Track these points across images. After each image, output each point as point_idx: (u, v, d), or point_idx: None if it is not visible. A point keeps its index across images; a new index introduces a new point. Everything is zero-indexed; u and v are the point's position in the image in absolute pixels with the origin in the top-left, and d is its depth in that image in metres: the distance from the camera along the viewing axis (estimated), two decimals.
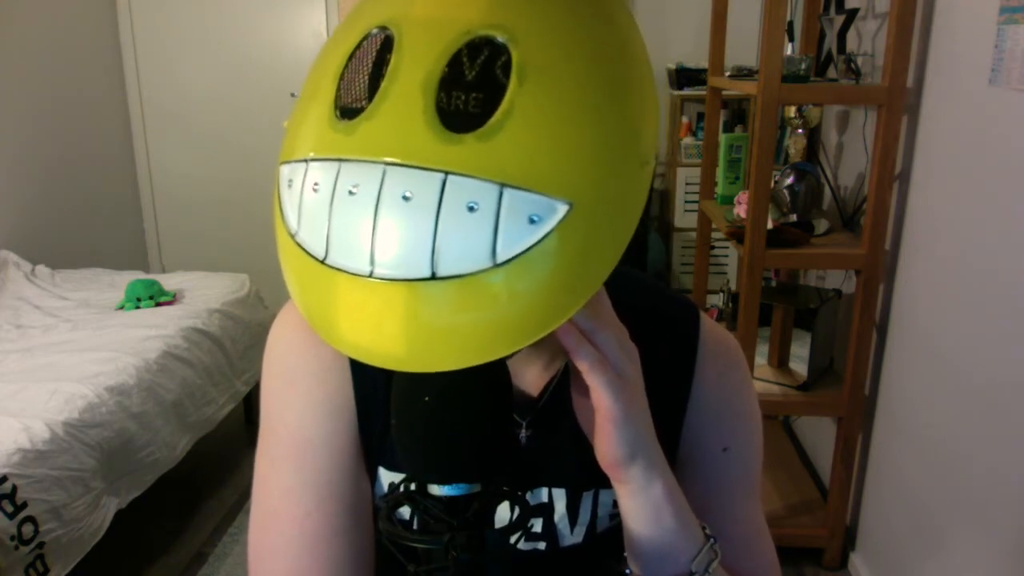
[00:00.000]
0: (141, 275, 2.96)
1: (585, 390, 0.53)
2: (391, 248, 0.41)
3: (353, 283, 0.42)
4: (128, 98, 4.00)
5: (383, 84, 0.43)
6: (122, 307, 2.68)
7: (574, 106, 0.42)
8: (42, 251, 3.23)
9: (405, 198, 0.40)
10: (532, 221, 0.41)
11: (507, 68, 0.42)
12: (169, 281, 2.92)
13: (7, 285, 2.85)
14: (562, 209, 0.41)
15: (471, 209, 0.40)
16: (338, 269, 0.43)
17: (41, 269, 3.02)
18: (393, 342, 0.43)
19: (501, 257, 0.41)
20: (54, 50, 3.46)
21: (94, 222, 3.74)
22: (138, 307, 2.67)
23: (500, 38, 0.42)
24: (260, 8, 3.89)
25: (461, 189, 0.40)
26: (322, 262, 0.43)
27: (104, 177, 3.85)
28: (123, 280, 2.88)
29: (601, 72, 0.44)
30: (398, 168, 0.41)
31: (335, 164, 0.43)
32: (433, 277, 0.41)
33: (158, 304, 2.70)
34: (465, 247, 0.40)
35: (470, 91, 0.42)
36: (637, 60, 0.47)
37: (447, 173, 0.40)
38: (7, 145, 3.20)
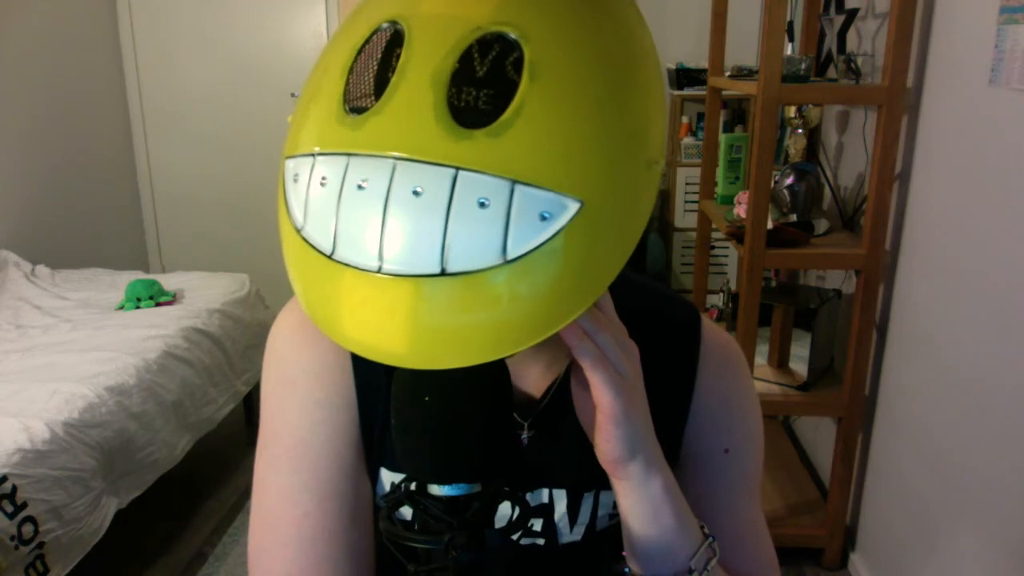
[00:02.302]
0: (141, 275, 2.96)
1: (586, 387, 0.53)
2: (400, 244, 0.41)
3: (360, 278, 0.42)
4: (128, 98, 4.00)
5: (393, 79, 0.42)
6: (122, 307, 2.68)
7: (585, 105, 0.42)
8: (42, 251, 3.23)
9: (415, 193, 0.40)
10: (543, 218, 0.41)
11: (518, 65, 0.42)
12: (169, 281, 2.92)
13: (7, 285, 2.85)
14: (573, 207, 0.41)
15: (482, 205, 0.40)
16: (345, 264, 0.43)
17: (41, 269, 3.02)
18: (398, 339, 0.43)
19: (512, 254, 0.41)
20: (54, 50, 3.46)
21: (94, 222, 3.74)
22: (138, 307, 2.67)
23: (512, 35, 0.42)
24: (260, 8, 3.89)
25: (472, 185, 0.40)
26: (329, 257, 0.43)
27: (104, 177, 3.85)
28: (123, 280, 2.89)
29: (612, 71, 0.44)
30: (408, 163, 0.41)
31: (343, 158, 0.42)
32: (443, 273, 0.41)
33: (158, 304, 2.70)
34: (476, 244, 0.40)
35: (481, 87, 0.41)
36: (647, 60, 0.47)
37: (458, 169, 0.40)
38: (7, 145, 3.20)
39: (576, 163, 0.42)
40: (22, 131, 3.28)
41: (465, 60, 0.42)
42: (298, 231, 0.45)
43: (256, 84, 3.95)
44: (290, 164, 0.46)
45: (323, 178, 0.43)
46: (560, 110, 0.42)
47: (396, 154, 0.41)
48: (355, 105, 0.44)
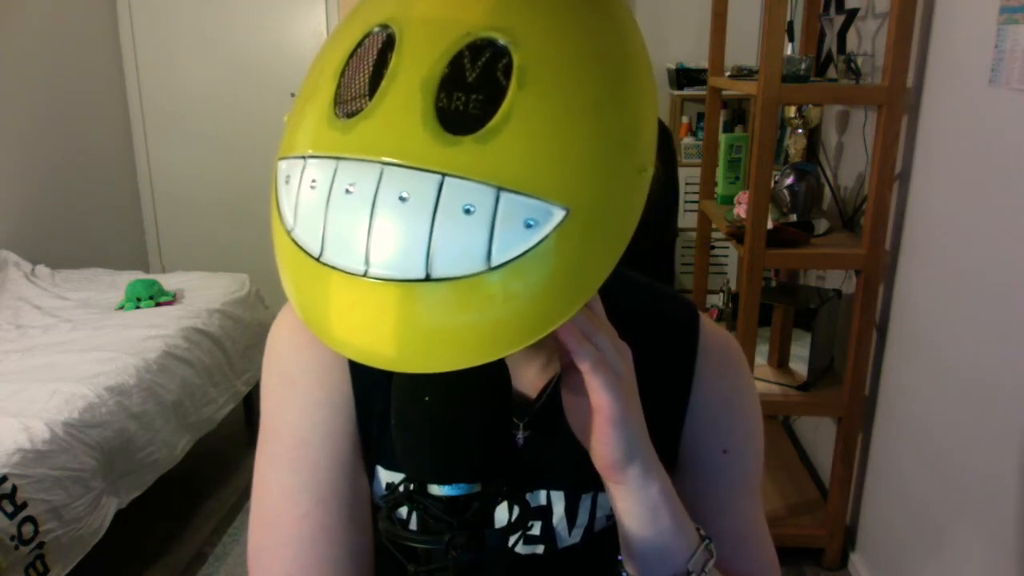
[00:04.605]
0: (141, 275, 2.96)
1: (577, 393, 0.53)
2: (386, 248, 0.41)
3: (347, 282, 0.42)
4: (128, 98, 4.00)
5: (383, 83, 0.42)
6: (122, 307, 2.68)
7: (573, 111, 0.42)
8: (42, 251, 3.23)
9: (402, 199, 0.40)
10: (528, 225, 0.41)
11: (508, 71, 0.42)
12: (169, 281, 2.92)
13: (7, 285, 2.85)
14: (559, 214, 0.41)
15: (467, 212, 0.40)
16: (332, 267, 0.43)
17: (41, 269, 3.02)
18: (385, 342, 0.43)
19: (496, 260, 0.41)
20: (54, 50, 3.46)
21: (94, 222, 3.74)
22: (138, 307, 2.67)
23: (501, 40, 0.42)
24: (260, 8, 3.89)
25: (458, 191, 0.40)
26: (317, 260, 0.43)
27: (104, 177, 3.85)
28: (123, 280, 2.88)
29: (602, 78, 0.44)
30: (396, 168, 0.41)
31: (333, 162, 0.42)
32: (427, 279, 0.41)
33: (158, 304, 2.70)
34: (460, 250, 0.40)
35: (470, 93, 0.41)
36: (638, 67, 0.47)
37: (444, 175, 0.40)
38: (7, 145, 3.20)
39: (563, 170, 0.41)
40: (22, 131, 3.28)
41: (455, 65, 0.42)
42: (288, 232, 0.45)
43: (256, 84, 3.94)
44: (283, 165, 0.46)
45: (313, 181, 0.43)
46: (548, 117, 0.41)
47: (384, 159, 0.41)
48: (346, 109, 0.44)
